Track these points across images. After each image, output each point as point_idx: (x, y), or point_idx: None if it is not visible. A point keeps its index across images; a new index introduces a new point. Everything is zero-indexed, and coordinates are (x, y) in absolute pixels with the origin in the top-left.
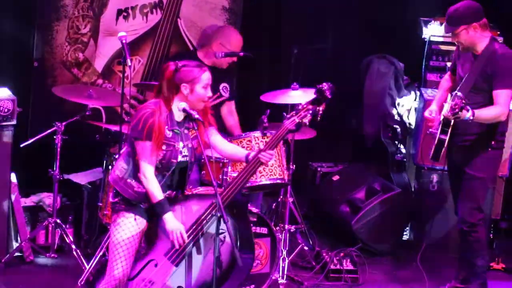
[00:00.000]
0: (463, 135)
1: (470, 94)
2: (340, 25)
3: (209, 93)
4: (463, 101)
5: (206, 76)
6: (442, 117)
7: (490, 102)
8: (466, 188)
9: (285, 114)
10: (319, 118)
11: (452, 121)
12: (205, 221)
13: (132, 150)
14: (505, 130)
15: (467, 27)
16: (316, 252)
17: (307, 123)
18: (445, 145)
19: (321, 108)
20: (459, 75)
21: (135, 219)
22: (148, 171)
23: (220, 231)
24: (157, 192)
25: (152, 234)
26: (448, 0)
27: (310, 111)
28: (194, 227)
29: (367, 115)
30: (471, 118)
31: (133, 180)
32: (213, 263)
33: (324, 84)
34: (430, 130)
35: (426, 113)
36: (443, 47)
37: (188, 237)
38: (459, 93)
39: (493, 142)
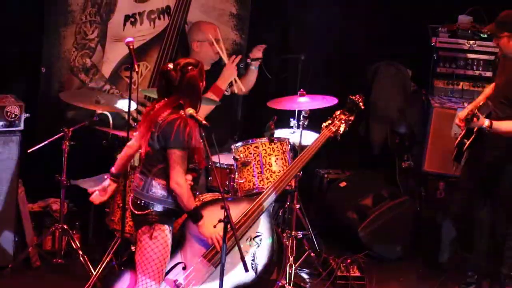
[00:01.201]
0: (490, 149)
1: (501, 106)
2: (347, 31)
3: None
4: (477, 111)
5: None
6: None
7: None
8: (501, 202)
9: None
10: (347, 128)
11: (475, 128)
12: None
13: (166, 163)
14: None
15: (510, 35)
16: (323, 259)
17: (342, 132)
18: (464, 148)
19: (352, 118)
20: (496, 84)
21: (169, 230)
22: (182, 179)
23: (256, 234)
24: (192, 199)
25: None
26: (457, 8)
27: (343, 121)
28: (229, 231)
29: (374, 122)
30: (488, 128)
31: None
32: (243, 266)
33: (357, 95)
34: (455, 131)
35: (461, 113)
36: (450, 54)
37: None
38: (489, 102)
39: None
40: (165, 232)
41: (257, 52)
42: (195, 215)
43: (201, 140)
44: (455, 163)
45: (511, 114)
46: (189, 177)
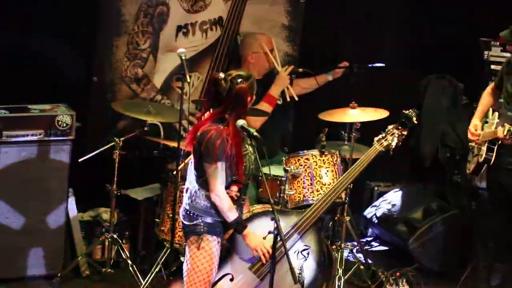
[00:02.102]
0: (509, 156)
1: None
2: (399, 43)
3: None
4: None
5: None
6: (484, 134)
7: None
8: None
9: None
10: (399, 143)
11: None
12: (290, 238)
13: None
14: None
15: None
16: (372, 272)
17: (395, 147)
18: (491, 163)
19: (405, 133)
20: (507, 91)
21: (218, 242)
22: (220, 191)
23: (304, 247)
24: (233, 209)
25: (225, 249)
26: (510, 21)
27: (396, 135)
28: (277, 243)
29: (425, 135)
30: None
31: None
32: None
33: (411, 110)
34: (473, 145)
35: (471, 128)
36: None
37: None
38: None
39: None
40: (213, 243)
41: (338, 73)
42: (238, 226)
43: (242, 152)
44: (473, 176)
45: None
46: (235, 188)
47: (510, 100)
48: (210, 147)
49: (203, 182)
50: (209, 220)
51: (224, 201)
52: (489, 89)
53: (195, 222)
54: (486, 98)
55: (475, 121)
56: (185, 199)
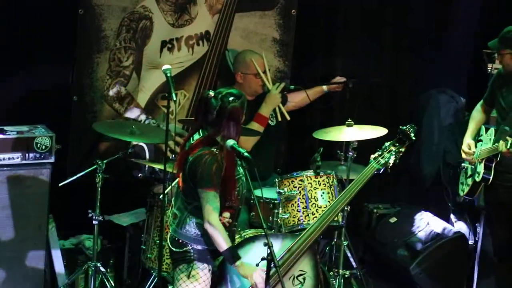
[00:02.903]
0: (508, 173)
1: None
2: (397, 58)
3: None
4: None
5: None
6: (481, 152)
7: None
8: None
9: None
10: (398, 160)
11: (499, 157)
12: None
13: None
14: None
15: None
16: None
17: (392, 164)
18: (489, 182)
19: (403, 150)
20: (500, 106)
21: (209, 270)
22: (215, 218)
23: (299, 273)
24: (226, 239)
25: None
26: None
27: (393, 152)
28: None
29: (426, 154)
30: None
31: None
32: None
33: (408, 126)
34: (466, 165)
35: (465, 147)
36: None
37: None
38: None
39: None
40: (204, 271)
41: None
42: (231, 256)
43: (235, 176)
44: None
45: None
46: (227, 214)
47: (506, 114)
48: (205, 173)
49: (194, 208)
50: (199, 247)
51: (217, 229)
52: (479, 106)
53: (184, 249)
54: (477, 115)
55: (468, 139)
56: (173, 226)
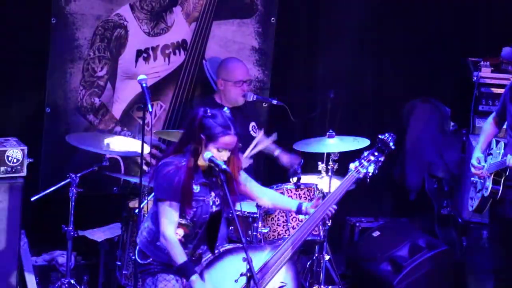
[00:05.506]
0: None
1: None
2: (380, 66)
3: (224, 157)
4: None
5: (225, 140)
6: (490, 166)
7: None
8: None
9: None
10: (377, 170)
11: (507, 172)
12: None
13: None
14: None
15: None
16: None
17: (372, 174)
18: (498, 197)
19: (382, 159)
20: (511, 118)
21: (176, 280)
22: (169, 232)
23: (280, 284)
24: (180, 254)
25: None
26: (501, 40)
27: (372, 162)
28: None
29: (410, 165)
30: None
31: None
32: None
33: (387, 134)
34: (476, 179)
35: (474, 161)
36: (494, 90)
37: None
38: None
39: None
40: (171, 283)
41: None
42: (184, 271)
43: (192, 192)
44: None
45: None
46: (180, 231)
47: None
48: (166, 183)
49: (153, 213)
50: (160, 260)
51: (171, 243)
52: (490, 119)
53: (148, 261)
54: (488, 128)
55: (477, 154)
56: (139, 236)
